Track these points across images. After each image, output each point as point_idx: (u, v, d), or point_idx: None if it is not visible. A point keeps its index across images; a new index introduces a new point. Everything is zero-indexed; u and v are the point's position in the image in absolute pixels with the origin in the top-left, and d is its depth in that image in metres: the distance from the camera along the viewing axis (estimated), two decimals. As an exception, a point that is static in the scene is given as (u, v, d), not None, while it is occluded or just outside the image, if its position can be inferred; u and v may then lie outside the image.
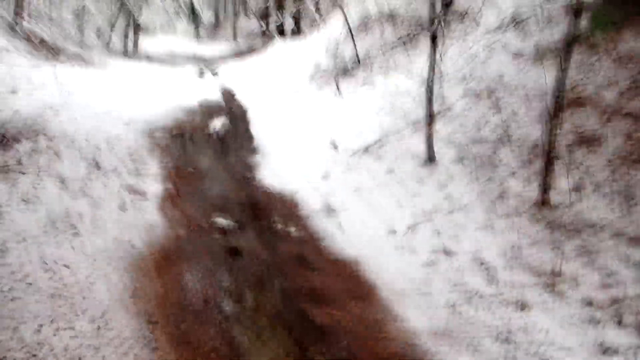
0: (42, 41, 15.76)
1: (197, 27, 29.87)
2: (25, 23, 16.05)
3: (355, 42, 11.99)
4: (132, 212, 5.41)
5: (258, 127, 9.68)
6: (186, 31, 30.50)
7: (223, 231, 5.36)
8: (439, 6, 7.12)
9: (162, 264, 4.53)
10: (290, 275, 4.56)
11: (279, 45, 22.07)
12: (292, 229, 5.53)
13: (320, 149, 8.07)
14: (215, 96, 13.37)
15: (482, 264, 4.78)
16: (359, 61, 11.82)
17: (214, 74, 17.11)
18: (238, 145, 8.68)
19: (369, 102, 9.54)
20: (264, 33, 30.05)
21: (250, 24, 33.40)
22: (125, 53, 19.75)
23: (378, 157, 7.39)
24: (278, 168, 7.37)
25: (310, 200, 6.30)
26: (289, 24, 26.24)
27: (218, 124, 9.84)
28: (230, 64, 20.80)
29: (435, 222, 5.58)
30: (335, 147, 7.80)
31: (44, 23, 17.31)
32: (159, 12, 24.58)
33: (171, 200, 5.89)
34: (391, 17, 13.41)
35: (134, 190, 5.94)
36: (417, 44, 10.72)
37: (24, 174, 5.58)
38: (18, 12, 15.57)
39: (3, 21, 14.55)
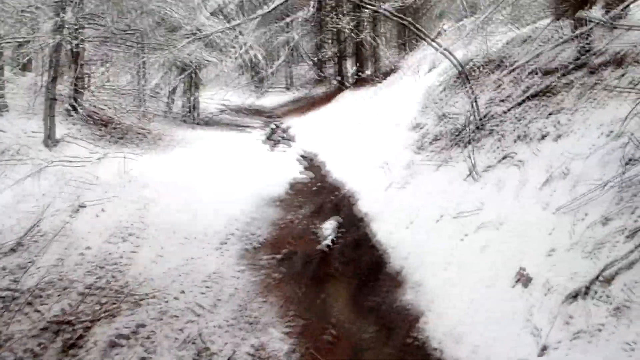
0: (104, 121, 14.32)
1: (258, 79, 28.28)
2: (85, 102, 14.60)
3: (475, 96, 9.57)
4: None
5: (381, 230, 7.51)
6: (240, 83, 29.16)
7: None
8: None
9: None
10: None
11: (348, 96, 20.03)
12: None
13: (499, 281, 5.67)
14: (302, 173, 11.44)
15: None
16: (480, 124, 9.49)
17: (287, 140, 15.20)
18: (368, 268, 6.51)
19: (526, 188, 7.04)
20: (319, 80, 28.20)
21: (302, 70, 31.88)
22: (187, 117, 18.34)
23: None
24: (456, 324, 5.06)
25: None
26: (348, 70, 24.41)
27: (328, 229, 7.76)
28: (297, 120, 19.01)
29: None
30: (525, 281, 5.45)
31: (104, 96, 15.84)
32: (217, 70, 23.36)
33: None
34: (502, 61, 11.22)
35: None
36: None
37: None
38: (77, 89, 14.01)
39: (62, 103, 13.10)
